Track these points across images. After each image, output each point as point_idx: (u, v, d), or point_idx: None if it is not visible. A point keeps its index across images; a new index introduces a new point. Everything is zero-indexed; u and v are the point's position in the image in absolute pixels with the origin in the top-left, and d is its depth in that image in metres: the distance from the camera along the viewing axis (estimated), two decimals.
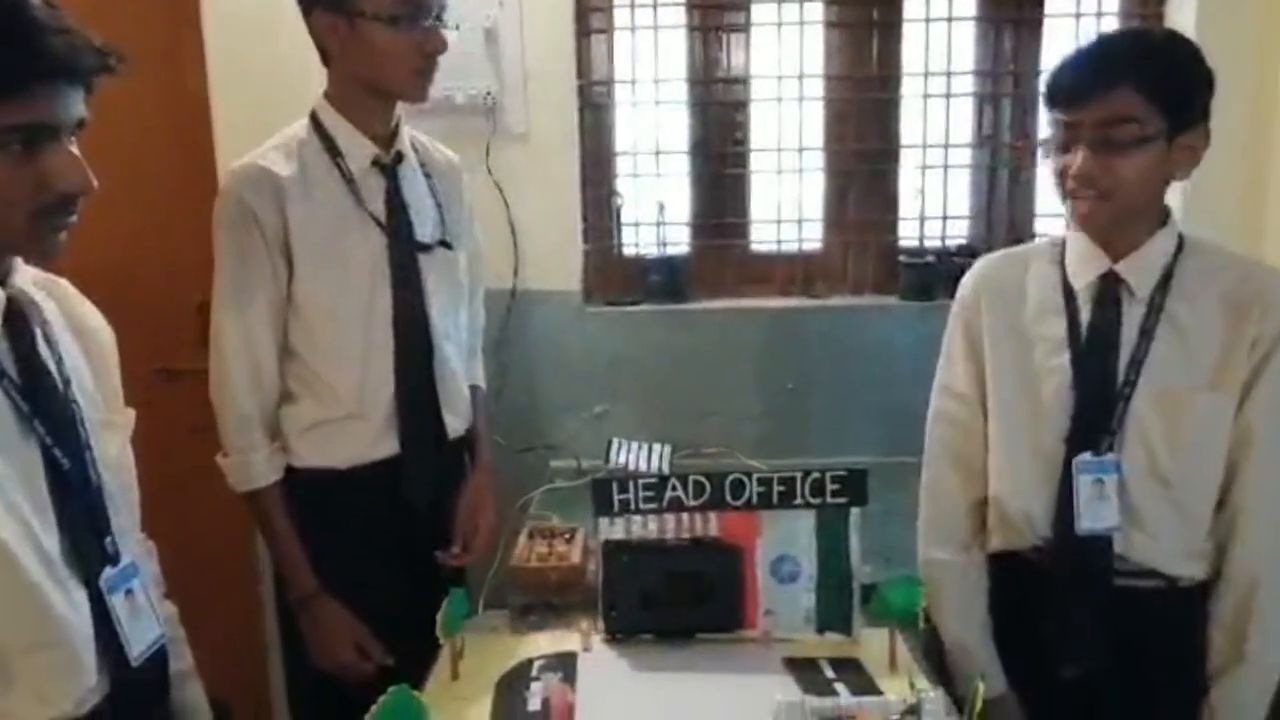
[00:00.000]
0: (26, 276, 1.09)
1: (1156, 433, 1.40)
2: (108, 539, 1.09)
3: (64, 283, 1.19)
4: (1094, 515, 1.41)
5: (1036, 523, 1.46)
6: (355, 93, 1.59)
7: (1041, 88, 1.43)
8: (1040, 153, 1.48)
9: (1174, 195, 2.12)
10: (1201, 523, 1.42)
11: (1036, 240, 2.13)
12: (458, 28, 1.62)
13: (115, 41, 1.01)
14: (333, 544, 1.62)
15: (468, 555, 1.75)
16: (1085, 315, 1.45)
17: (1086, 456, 1.41)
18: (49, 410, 1.05)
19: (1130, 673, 1.43)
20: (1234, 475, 1.41)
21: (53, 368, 1.08)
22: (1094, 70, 1.35)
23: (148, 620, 1.12)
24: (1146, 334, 1.41)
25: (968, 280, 1.56)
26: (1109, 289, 1.43)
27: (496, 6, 2.12)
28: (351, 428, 1.62)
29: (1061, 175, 1.39)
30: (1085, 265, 1.45)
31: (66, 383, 1.09)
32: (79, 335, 1.16)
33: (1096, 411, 1.42)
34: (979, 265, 1.57)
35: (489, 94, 2.17)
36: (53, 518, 1.04)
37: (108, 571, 1.08)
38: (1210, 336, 1.40)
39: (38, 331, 1.07)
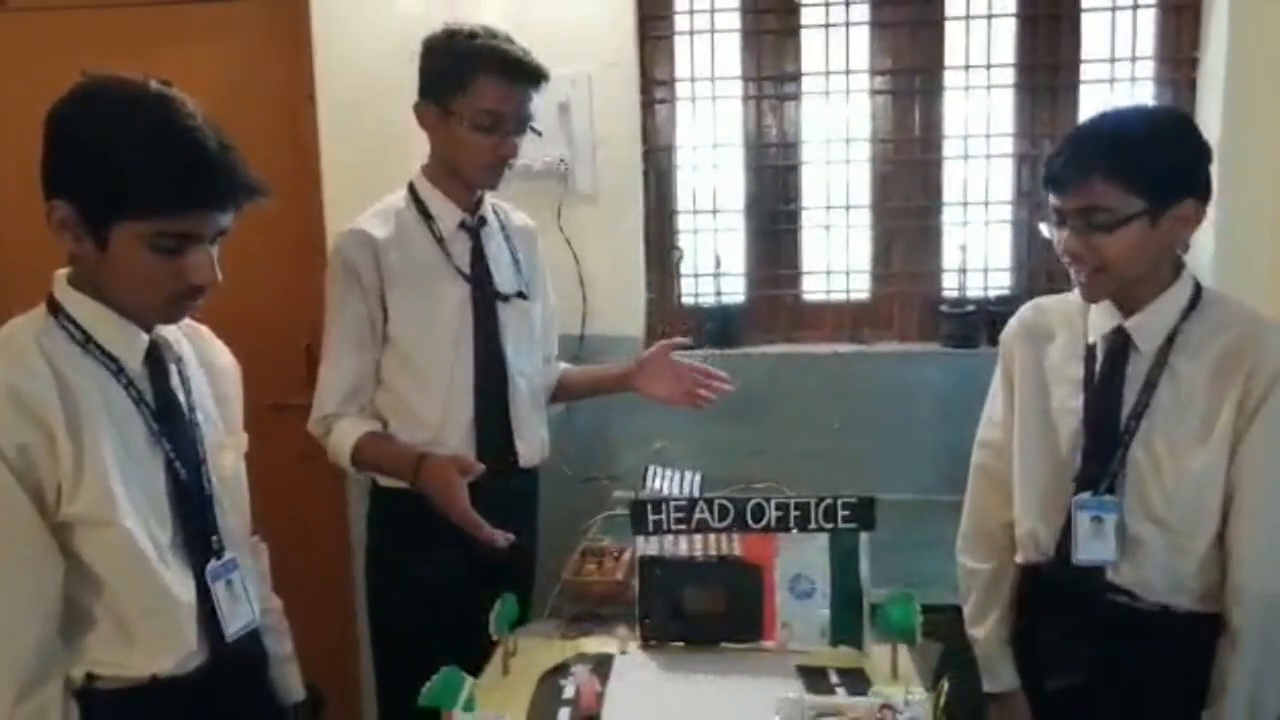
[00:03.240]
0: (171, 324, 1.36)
1: (1152, 479, 1.51)
2: (214, 537, 1.35)
3: (203, 328, 1.47)
4: (1090, 549, 1.53)
5: (1042, 544, 1.60)
6: (445, 169, 1.88)
7: None
8: (1043, 228, 1.60)
9: (1206, 255, 2.23)
10: (1195, 561, 1.51)
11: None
12: (540, 134, 1.88)
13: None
14: (412, 554, 1.86)
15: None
16: (1098, 364, 1.57)
17: (1085, 496, 1.53)
18: (175, 431, 1.32)
19: (1122, 694, 1.53)
20: (1228, 522, 1.50)
21: (182, 398, 1.35)
22: (1067, 163, 1.46)
23: (243, 606, 1.37)
24: (1149, 387, 1.51)
25: (1010, 323, 1.71)
26: (1118, 343, 1.55)
27: (569, 84, 2.37)
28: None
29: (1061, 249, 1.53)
30: (1100, 320, 1.57)
31: (192, 410, 1.36)
32: (209, 372, 1.44)
33: (1098, 454, 1.54)
34: (1020, 311, 1.71)
35: (562, 160, 2.42)
36: (169, 516, 1.30)
37: (212, 563, 1.33)
38: (1204, 392, 1.49)
39: (172, 368, 1.35)
